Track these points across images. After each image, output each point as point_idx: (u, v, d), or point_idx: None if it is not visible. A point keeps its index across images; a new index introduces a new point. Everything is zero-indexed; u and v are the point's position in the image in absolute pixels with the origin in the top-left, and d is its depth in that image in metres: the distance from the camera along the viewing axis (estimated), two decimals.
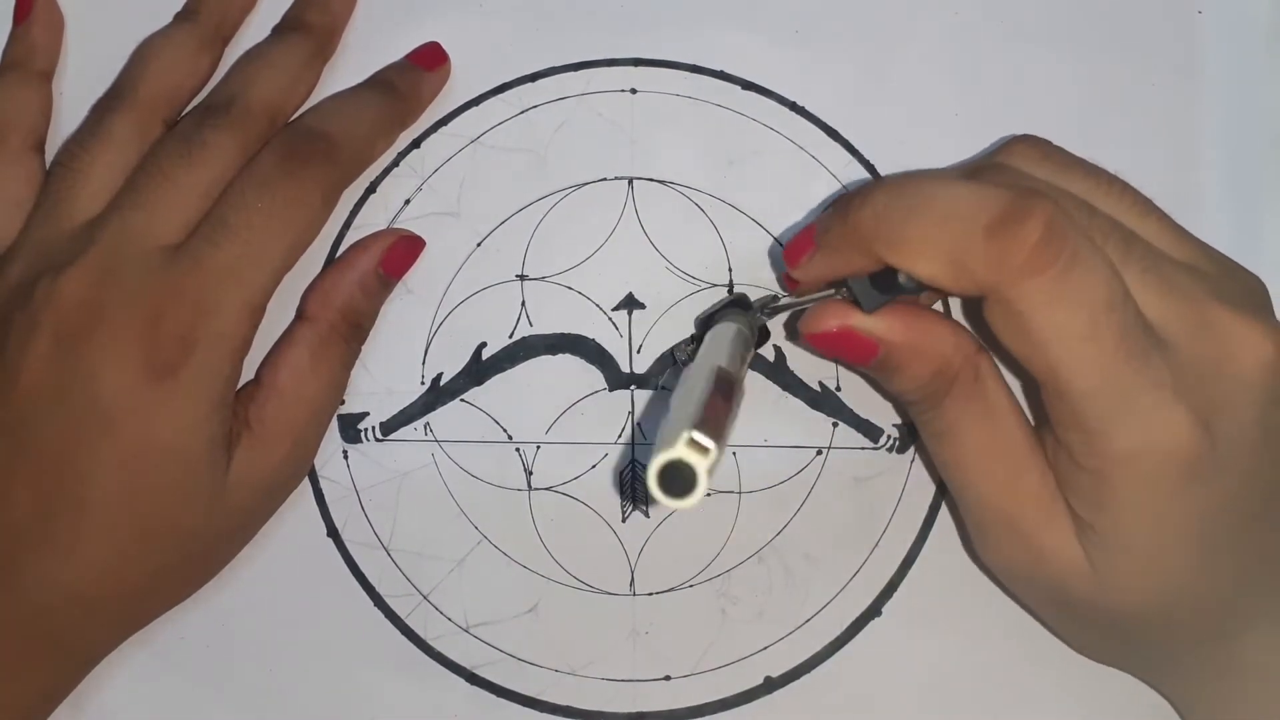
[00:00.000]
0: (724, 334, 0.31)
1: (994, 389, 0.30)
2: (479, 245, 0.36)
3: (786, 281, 0.33)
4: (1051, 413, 0.29)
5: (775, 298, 0.33)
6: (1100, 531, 0.29)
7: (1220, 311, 0.28)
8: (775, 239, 0.36)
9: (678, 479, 0.24)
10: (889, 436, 0.35)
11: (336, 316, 0.34)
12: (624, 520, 0.35)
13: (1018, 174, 0.30)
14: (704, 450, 0.24)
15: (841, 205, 0.29)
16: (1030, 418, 0.31)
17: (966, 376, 0.30)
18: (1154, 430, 0.27)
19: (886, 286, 0.29)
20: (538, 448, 0.35)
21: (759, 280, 0.36)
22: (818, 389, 0.36)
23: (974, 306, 0.32)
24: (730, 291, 0.36)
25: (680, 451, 0.24)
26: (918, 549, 0.35)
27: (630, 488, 0.35)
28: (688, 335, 0.35)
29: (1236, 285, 0.29)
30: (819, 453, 0.35)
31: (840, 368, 0.36)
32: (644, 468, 0.35)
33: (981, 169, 0.31)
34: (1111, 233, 0.28)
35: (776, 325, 0.35)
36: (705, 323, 0.33)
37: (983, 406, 0.30)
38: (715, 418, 0.25)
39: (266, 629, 0.35)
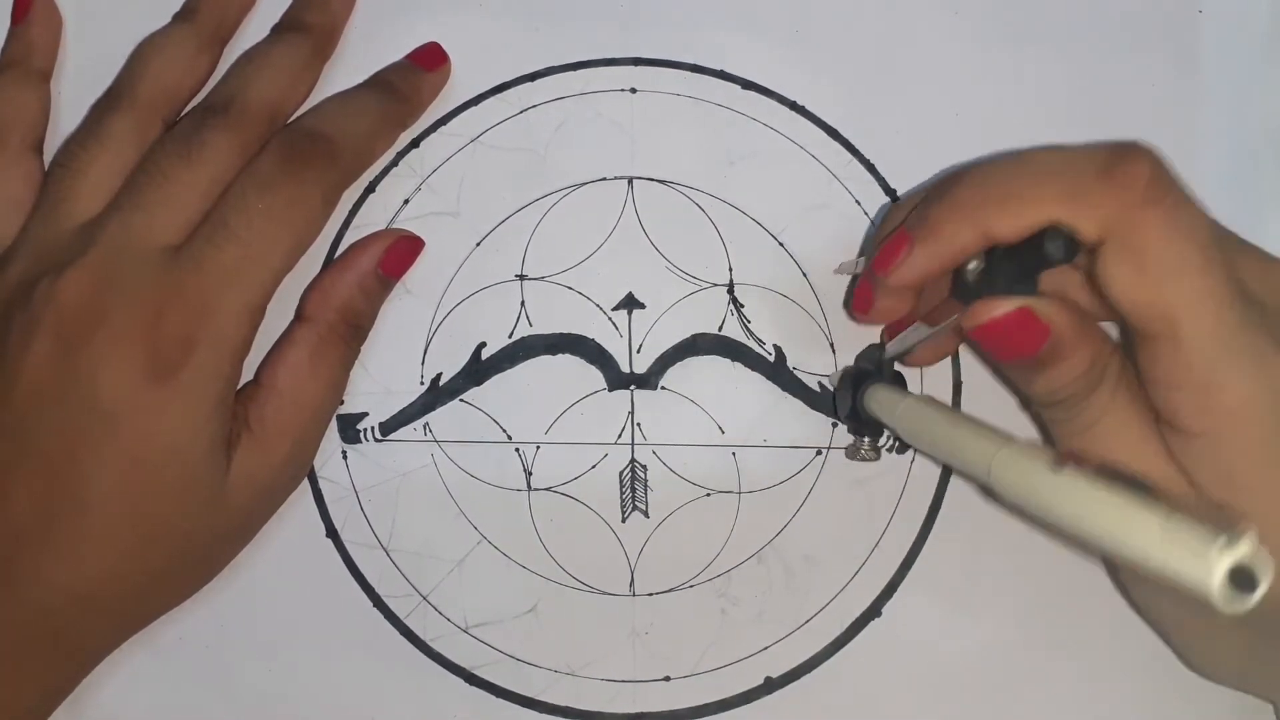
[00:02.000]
0: (900, 396, 0.32)
1: (1130, 382, 0.30)
2: (478, 245, 0.36)
3: (856, 309, 0.33)
4: (1161, 372, 0.28)
5: (880, 348, 0.34)
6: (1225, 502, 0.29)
7: None
8: (776, 239, 0.36)
9: (1243, 580, 0.23)
10: (888, 437, 0.35)
11: (336, 317, 0.34)
12: (624, 520, 0.35)
13: None
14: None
15: (934, 190, 0.30)
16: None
17: (1114, 367, 0.30)
18: (1266, 377, 0.28)
19: (1021, 271, 0.29)
20: (537, 448, 0.35)
21: (759, 280, 0.36)
22: (818, 389, 0.36)
23: None
24: (730, 291, 0.36)
25: (1256, 557, 0.23)
26: (918, 549, 0.35)
27: (630, 488, 0.35)
28: (864, 441, 0.35)
29: None
30: (819, 453, 0.35)
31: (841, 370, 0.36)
32: (644, 468, 0.35)
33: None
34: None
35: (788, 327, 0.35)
36: (857, 382, 0.34)
37: (1129, 394, 0.30)
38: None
39: (266, 629, 0.35)
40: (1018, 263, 0.29)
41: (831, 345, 0.36)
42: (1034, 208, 0.28)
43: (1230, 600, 0.22)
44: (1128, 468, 0.26)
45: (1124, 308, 0.28)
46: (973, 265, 0.30)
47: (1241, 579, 0.22)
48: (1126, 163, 0.28)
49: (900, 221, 0.31)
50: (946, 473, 0.35)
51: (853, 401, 0.34)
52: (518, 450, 0.35)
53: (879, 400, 0.33)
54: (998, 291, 0.29)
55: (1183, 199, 0.28)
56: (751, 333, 0.36)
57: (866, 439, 0.35)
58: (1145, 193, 0.27)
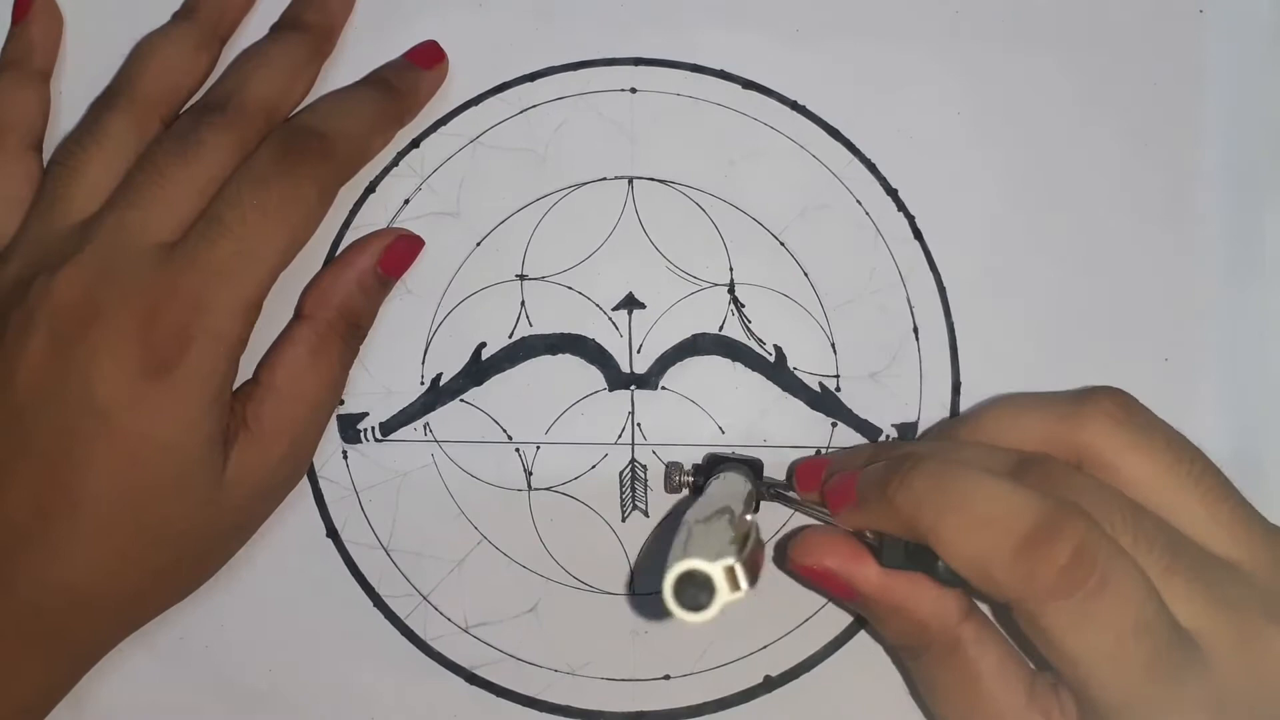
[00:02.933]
0: (737, 487, 0.31)
1: (977, 657, 0.30)
2: (478, 245, 0.36)
3: (797, 485, 0.33)
4: (1082, 714, 0.28)
5: (788, 486, 0.34)
6: None
7: (1267, 627, 0.27)
8: (776, 239, 0.36)
9: (693, 592, 0.24)
10: (888, 437, 0.35)
11: (335, 315, 0.34)
12: (624, 520, 0.35)
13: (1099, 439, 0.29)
14: (735, 585, 0.24)
15: (882, 475, 0.29)
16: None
17: (942, 644, 0.30)
18: None
19: (920, 561, 0.29)
20: (538, 448, 0.35)
21: (759, 280, 0.36)
22: (818, 389, 0.36)
23: None
24: (731, 290, 0.36)
25: (713, 569, 0.24)
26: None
27: (630, 488, 0.35)
28: (686, 464, 0.35)
29: None
30: (818, 453, 0.35)
31: (842, 371, 0.36)
32: (644, 468, 0.35)
33: (1066, 420, 0.30)
34: (1158, 537, 0.28)
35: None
36: (713, 463, 0.34)
37: (960, 674, 0.30)
38: (753, 563, 0.25)
39: (266, 629, 0.35)
40: (919, 550, 0.29)
41: (832, 345, 0.36)
42: (951, 558, 0.27)
43: (677, 596, 0.24)
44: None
45: (1037, 651, 0.28)
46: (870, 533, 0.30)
47: (691, 592, 0.24)
48: (1045, 542, 0.26)
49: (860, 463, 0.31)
50: None
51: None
52: (518, 450, 0.35)
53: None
54: (891, 549, 0.29)
55: (1104, 584, 0.26)
56: (752, 333, 0.36)
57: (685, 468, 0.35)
58: (1055, 583, 0.26)
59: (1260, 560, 0.28)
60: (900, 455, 0.29)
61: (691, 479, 0.34)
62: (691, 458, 0.35)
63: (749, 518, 0.27)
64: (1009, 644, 0.30)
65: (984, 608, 0.31)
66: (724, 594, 0.24)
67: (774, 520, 0.35)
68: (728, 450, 0.35)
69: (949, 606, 0.30)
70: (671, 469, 0.35)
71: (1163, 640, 0.26)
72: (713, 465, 0.34)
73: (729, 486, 0.31)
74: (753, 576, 0.24)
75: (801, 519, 0.35)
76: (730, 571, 0.24)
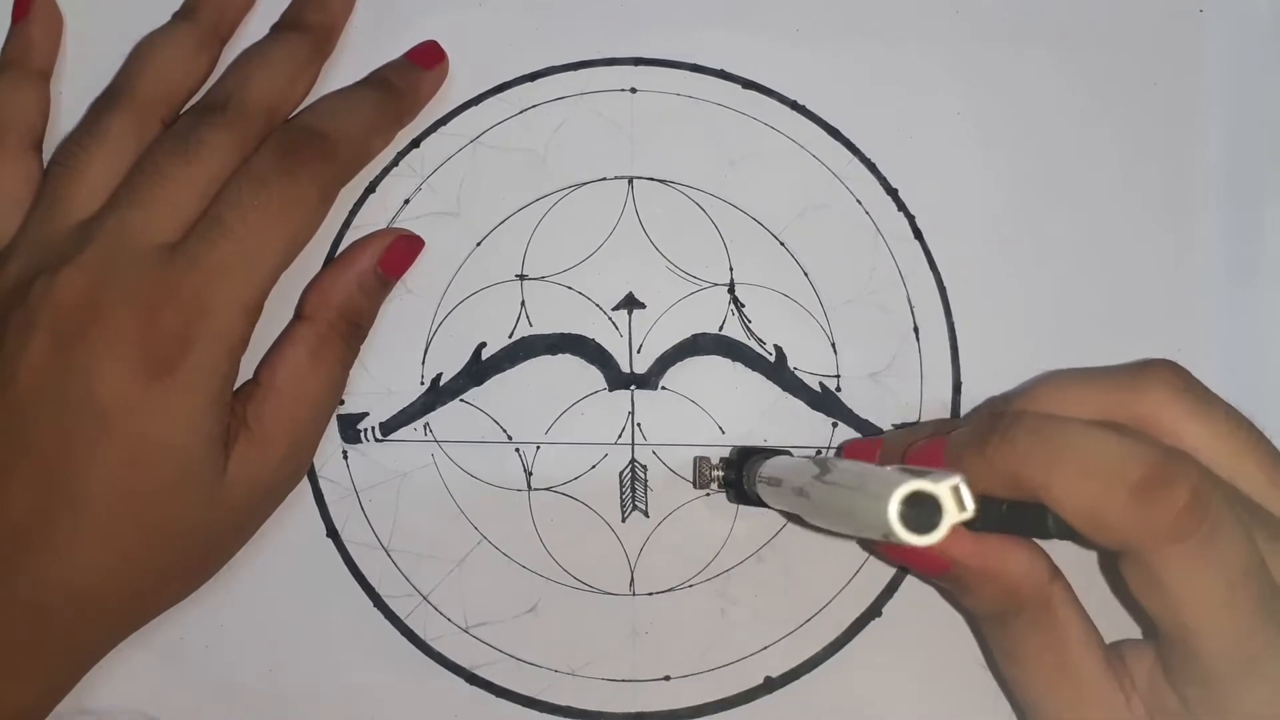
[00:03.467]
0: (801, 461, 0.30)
1: (1065, 618, 0.30)
2: (478, 245, 0.36)
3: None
4: (1174, 666, 0.28)
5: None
6: None
7: None
8: (776, 239, 0.36)
9: (921, 514, 0.23)
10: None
11: (335, 316, 0.34)
12: (624, 520, 0.35)
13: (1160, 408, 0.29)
14: (962, 506, 0.23)
15: (978, 434, 0.29)
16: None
17: (1035, 604, 0.30)
18: None
19: (1020, 523, 0.28)
20: (538, 448, 0.35)
21: (759, 280, 0.36)
22: (818, 389, 0.36)
23: None
24: (731, 290, 0.36)
25: (941, 490, 0.23)
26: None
27: (630, 488, 0.35)
28: (716, 457, 0.35)
29: None
30: (818, 453, 0.35)
31: (842, 371, 0.36)
32: (644, 468, 0.35)
33: (1127, 391, 0.30)
34: (1237, 498, 0.28)
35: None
36: (745, 454, 0.34)
37: (1050, 637, 0.30)
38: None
39: (266, 629, 0.35)
40: (1008, 513, 0.28)
41: (832, 345, 0.36)
42: (1062, 507, 0.27)
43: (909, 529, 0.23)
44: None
45: (1140, 606, 0.28)
46: None
47: (923, 515, 0.23)
48: (1163, 486, 0.26)
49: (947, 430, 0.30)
50: None
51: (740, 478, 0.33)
52: (518, 450, 0.35)
53: (764, 482, 0.32)
54: (994, 513, 0.29)
55: (1217, 527, 0.26)
56: (752, 333, 0.36)
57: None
58: (1173, 526, 0.26)
59: None
60: (992, 415, 0.29)
61: (722, 473, 0.34)
62: (691, 458, 0.35)
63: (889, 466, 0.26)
64: (1084, 611, 0.30)
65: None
66: (952, 514, 0.23)
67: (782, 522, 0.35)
68: (728, 449, 0.35)
69: (1040, 567, 0.29)
70: (701, 463, 0.34)
71: (1267, 586, 0.27)
72: (745, 456, 0.33)
73: (792, 461, 0.30)
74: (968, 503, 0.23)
75: (795, 534, 0.35)
76: (956, 491, 0.23)
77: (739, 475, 0.33)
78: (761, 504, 0.33)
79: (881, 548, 0.30)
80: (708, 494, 0.35)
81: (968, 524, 0.27)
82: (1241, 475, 0.29)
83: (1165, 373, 0.30)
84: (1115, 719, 0.29)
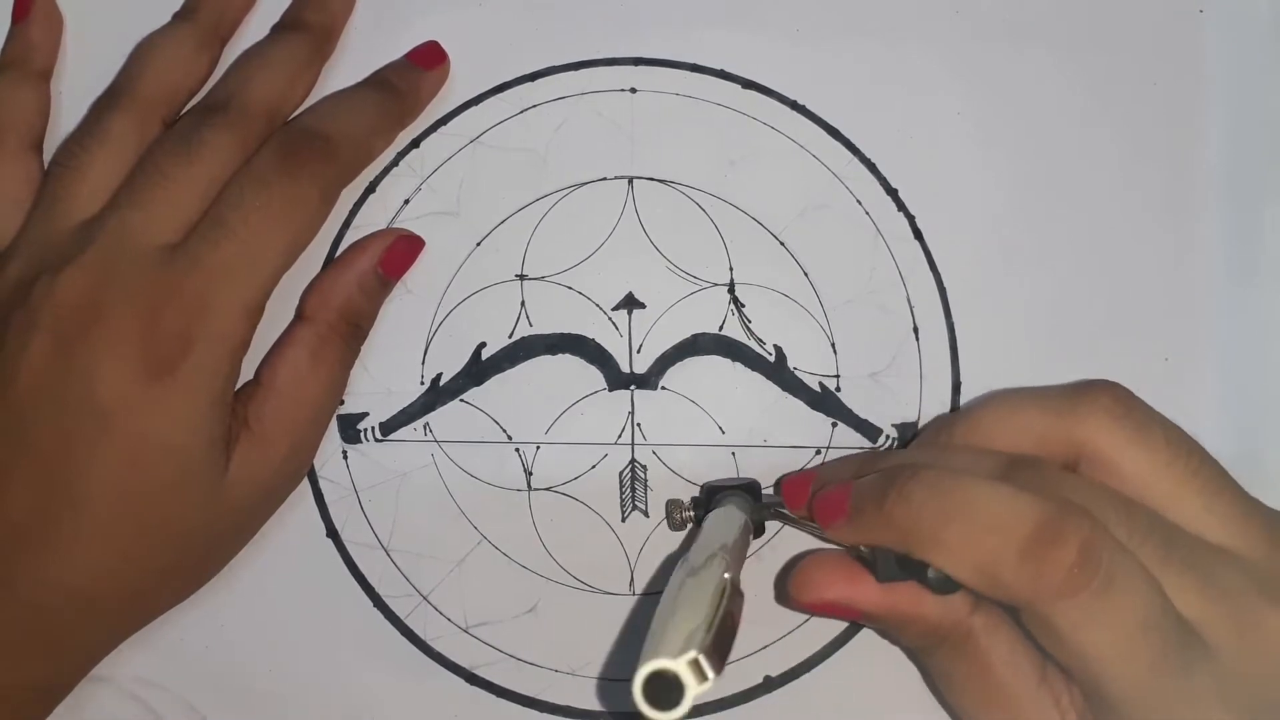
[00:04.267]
0: (732, 523, 0.31)
1: (989, 647, 0.30)
2: (478, 245, 0.36)
3: (786, 501, 0.33)
4: (1091, 704, 0.29)
5: (783, 504, 0.33)
6: None
7: (1266, 609, 0.27)
8: (776, 239, 0.36)
9: (664, 691, 0.24)
10: (888, 437, 0.36)
11: (335, 316, 0.34)
12: (624, 520, 0.35)
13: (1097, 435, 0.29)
14: (702, 677, 0.24)
15: (879, 488, 0.29)
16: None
17: (956, 638, 0.30)
18: None
19: (912, 571, 0.29)
20: (538, 448, 0.35)
21: (759, 280, 0.36)
22: (818, 389, 0.36)
23: None
24: (731, 290, 0.36)
25: (679, 666, 0.24)
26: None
27: (630, 488, 0.35)
28: (687, 498, 0.35)
29: None
30: (818, 453, 0.35)
31: (842, 371, 0.36)
32: (644, 468, 0.35)
33: (1064, 417, 0.30)
34: (1152, 531, 0.28)
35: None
36: (710, 494, 0.34)
37: (975, 666, 0.30)
38: (722, 643, 0.25)
39: (266, 629, 0.35)
40: (908, 560, 0.29)
41: (832, 345, 0.36)
42: (952, 565, 0.27)
43: (647, 697, 0.24)
44: None
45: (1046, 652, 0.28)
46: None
47: (663, 692, 0.24)
48: (1050, 543, 0.26)
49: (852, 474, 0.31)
50: None
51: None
52: (518, 450, 0.35)
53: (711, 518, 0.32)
54: (885, 562, 0.29)
55: (1110, 582, 0.26)
56: (752, 333, 0.36)
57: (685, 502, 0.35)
58: (1063, 584, 0.26)
59: (1258, 546, 0.28)
60: (894, 467, 0.29)
61: (692, 513, 0.34)
62: (692, 458, 0.35)
63: (726, 575, 0.27)
64: (1017, 632, 0.30)
65: None
66: (692, 689, 0.24)
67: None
68: (728, 449, 0.35)
69: (956, 603, 0.30)
70: (671, 507, 0.34)
71: (1169, 634, 0.27)
72: (710, 496, 0.34)
73: (721, 529, 0.30)
74: (720, 661, 0.24)
75: (792, 534, 0.35)
76: (695, 664, 0.24)
77: (707, 513, 0.33)
78: None
79: (800, 604, 0.31)
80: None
81: (871, 570, 0.29)
82: (1178, 502, 0.29)
83: (1104, 398, 0.30)
84: None
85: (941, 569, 0.28)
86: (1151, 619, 0.26)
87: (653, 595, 0.35)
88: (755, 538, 0.34)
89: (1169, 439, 0.29)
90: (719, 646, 0.25)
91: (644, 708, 0.24)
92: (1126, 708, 0.27)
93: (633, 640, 0.35)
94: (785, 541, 0.35)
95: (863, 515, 0.29)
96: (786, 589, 0.31)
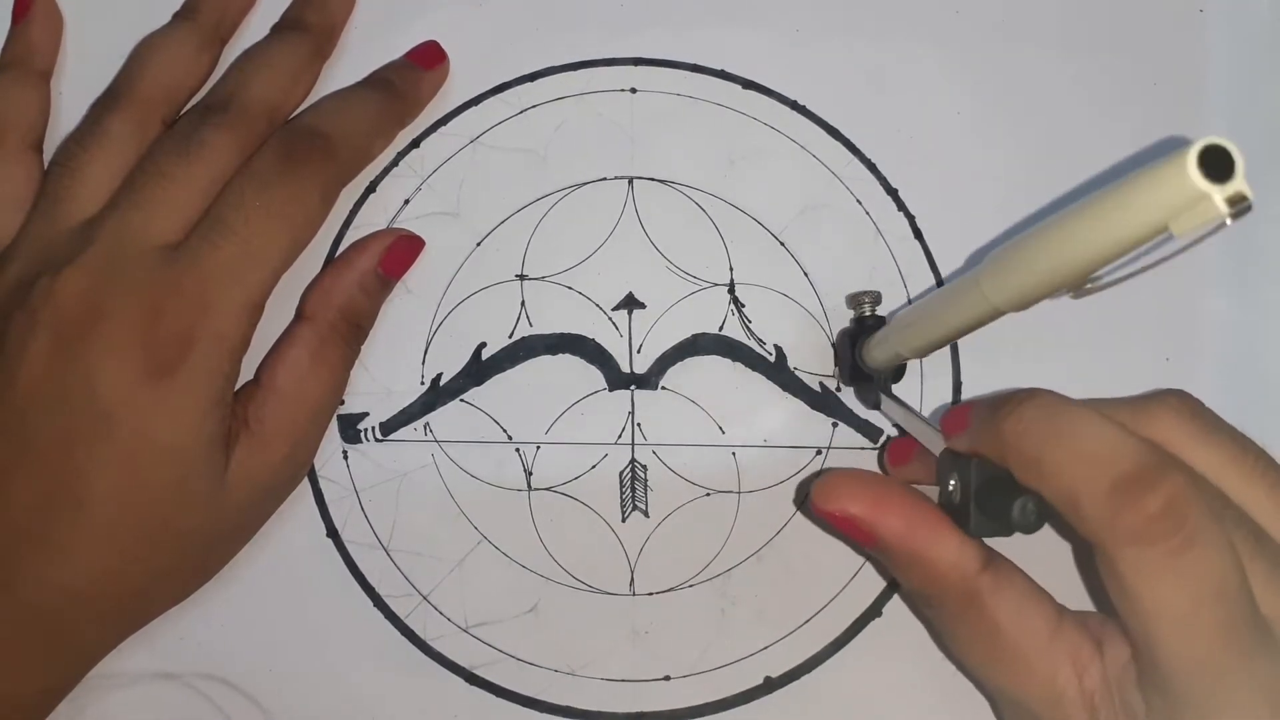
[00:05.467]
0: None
1: (995, 607, 0.29)
2: (479, 245, 0.36)
3: (945, 428, 0.32)
4: (1141, 668, 0.28)
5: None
6: None
7: None
8: (776, 238, 0.36)
9: (1218, 163, 0.23)
10: (888, 437, 0.35)
11: (336, 316, 0.34)
12: (624, 520, 0.35)
13: (1167, 431, 0.29)
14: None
15: (996, 403, 0.29)
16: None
17: (960, 595, 0.30)
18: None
19: (998, 513, 0.29)
20: (538, 448, 0.35)
21: (759, 280, 0.36)
22: (818, 389, 0.36)
23: None
24: (731, 290, 0.36)
25: (1231, 146, 0.23)
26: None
27: (630, 488, 0.35)
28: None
29: None
30: (819, 453, 0.35)
31: (838, 371, 0.36)
32: (644, 468, 0.35)
33: (1136, 414, 0.30)
34: (1242, 523, 0.28)
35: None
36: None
37: (980, 626, 0.30)
38: None
39: (266, 629, 0.35)
40: (996, 500, 0.29)
41: (832, 345, 0.36)
42: (1045, 487, 0.27)
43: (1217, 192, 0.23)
44: None
45: (1108, 599, 0.28)
46: (952, 485, 0.30)
47: (1216, 164, 0.23)
48: (1141, 487, 0.26)
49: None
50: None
51: (853, 358, 0.34)
52: (518, 450, 0.35)
53: (874, 341, 0.33)
54: (978, 505, 0.29)
55: (1191, 541, 0.26)
56: (752, 333, 0.36)
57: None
58: (1142, 529, 0.26)
59: None
60: (1017, 391, 0.29)
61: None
62: (692, 458, 0.35)
63: None
64: (1031, 586, 0.30)
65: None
66: (1241, 162, 0.23)
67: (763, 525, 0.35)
68: (728, 449, 0.35)
69: (969, 556, 0.29)
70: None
71: (1240, 612, 0.26)
72: (855, 340, 0.34)
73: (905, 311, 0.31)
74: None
75: (798, 531, 0.35)
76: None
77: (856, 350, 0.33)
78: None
79: (817, 508, 0.30)
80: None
81: (962, 523, 0.29)
82: (1250, 501, 0.28)
83: (1174, 400, 0.30)
84: (1057, 690, 0.29)
85: (1037, 489, 0.28)
86: (1226, 591, 0.26)
87: (653, 595, 0.35)
88: None
89: (1236, 439, 0.29)
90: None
91: (1198, 179, 0.22)
92: (1178, 677, 0.27)
93: (631, 640, 0.35)
94: (786, 541, 0.35)
95: (979, 426, 0.29)
96: (809, 497, 0.31)
